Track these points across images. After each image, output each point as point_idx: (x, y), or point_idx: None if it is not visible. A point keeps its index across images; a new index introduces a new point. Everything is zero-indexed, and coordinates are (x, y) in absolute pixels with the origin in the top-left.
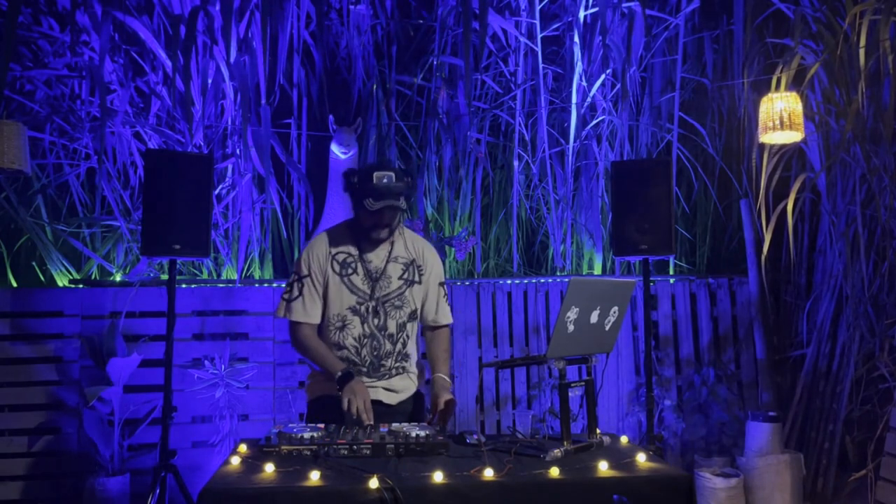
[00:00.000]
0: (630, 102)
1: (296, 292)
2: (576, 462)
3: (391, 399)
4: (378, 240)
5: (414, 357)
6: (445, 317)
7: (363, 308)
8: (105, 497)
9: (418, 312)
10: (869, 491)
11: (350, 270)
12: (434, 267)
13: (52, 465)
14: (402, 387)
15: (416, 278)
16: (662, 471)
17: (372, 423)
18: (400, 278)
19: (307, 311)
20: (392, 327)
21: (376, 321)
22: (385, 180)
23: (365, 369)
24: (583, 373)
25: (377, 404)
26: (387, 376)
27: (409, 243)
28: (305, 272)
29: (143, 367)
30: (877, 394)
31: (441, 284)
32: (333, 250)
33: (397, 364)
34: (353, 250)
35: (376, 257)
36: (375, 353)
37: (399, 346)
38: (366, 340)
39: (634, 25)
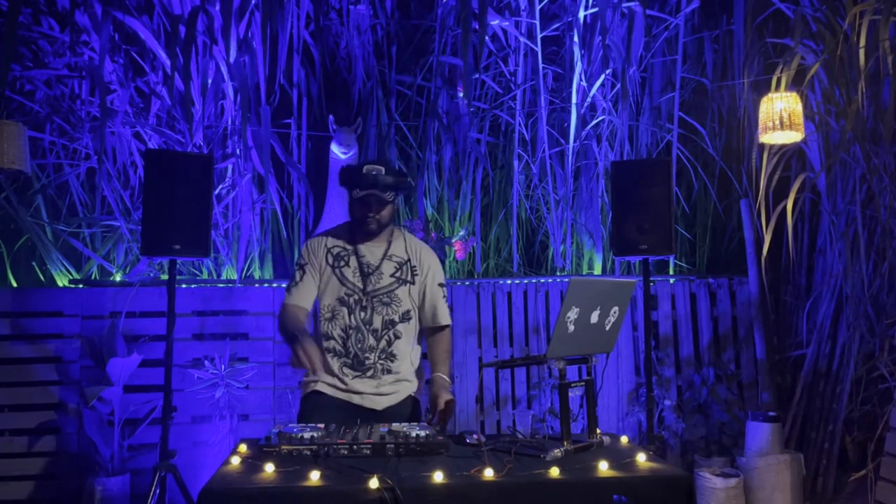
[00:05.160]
0: (630, 102)
1: (297, 278)
2: (576, 462)
3: (375, 404)
4: (369, 231)
5: (407, 361)
6: (444, 318)
7: (351, 300)
8: (105, 497)
9: (413, 314)
10: (869, 491)
11: (342, 263)
12: (432, 268)
13: (52, 465)
14: (390, 390)
15: (409, 278)
16: (662, 471)
17: (319, 370)
18: (392, 276)
19: (301, 295)
20: (377, 323)
21: (363, 314)
22: (374, 172)
23: (350, 361)
24: (583, 373)
25: (366, 412)
26: (371, 371)
27: (407, 245)
28: (305, 261)
29: (143, 367)
30: (877, 394)
31: (441, 285)
32: (330, 244)
33: (381, 362)
34: (349, 245)
35: (371, 254)
36: (360, 346)
37: (383, 343)
38: (351, 332)
39: (634, 25)
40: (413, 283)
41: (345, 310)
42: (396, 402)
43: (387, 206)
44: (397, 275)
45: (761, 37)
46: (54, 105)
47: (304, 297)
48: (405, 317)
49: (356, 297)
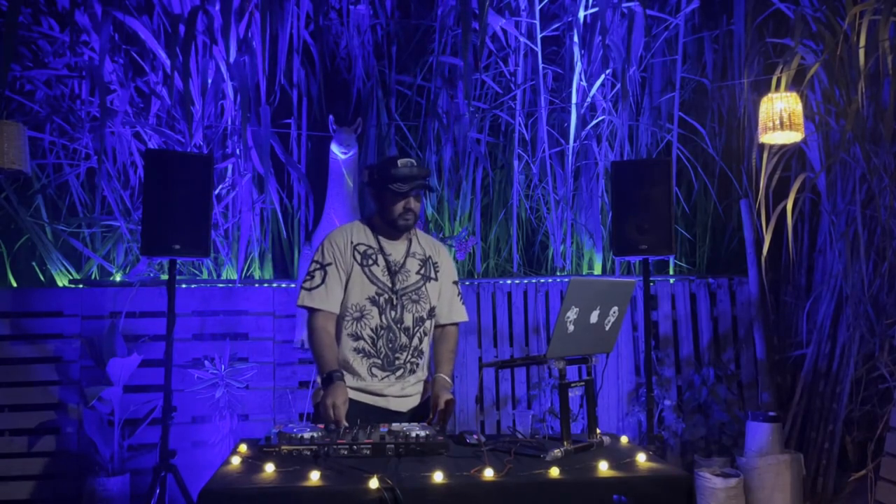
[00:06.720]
0: (630, 102)
1: (318, 280)
2: (576, 462)
3: (400, 406)
4: (406, 226)
5: (426, 359)
6: (460, 314)
7: (381, 299)
8: (105, 497)
9: (434, 311)
10: (869, 491)
11: (371, 261)
12: (448, 265)
13: (52, 465)
14: (413, 391)
15: (433, 275)
16: (662, 471)
17: (346, 426)
18: (417, 273)
19: (329, 299)
20: (408, 321)
21: (393, 313)
22: (409, 165)
23: (380, 361)
24: (583, 373)
25: (392, 414)
26: (400, 370)
27: (424, 241)
28: (329, 260)
29: (143, 367)
30: (877, 394)
31: (455, 283)
32: (354, 241)
33: (412, 359)
34: (374, 243)
35: (396, 251)
36: (391, 346)
37: (415, 341)
38: (382, 332)
39: (634, 25)
40: (437, 279)
41: (375, 309)
42: (418, 404)
43: (420, 199)
44: (422, 272)
45: (761, 37)
46: (54, 105)
47: (331, 300)
48: (430, 313)
49: (386, 295)
